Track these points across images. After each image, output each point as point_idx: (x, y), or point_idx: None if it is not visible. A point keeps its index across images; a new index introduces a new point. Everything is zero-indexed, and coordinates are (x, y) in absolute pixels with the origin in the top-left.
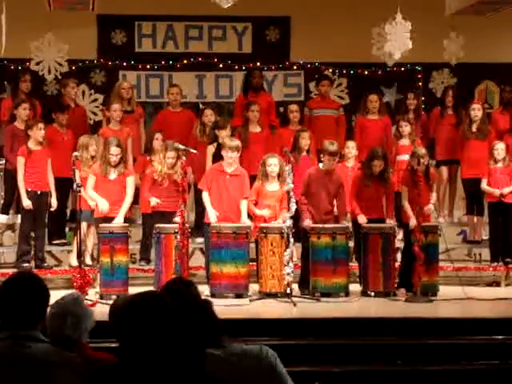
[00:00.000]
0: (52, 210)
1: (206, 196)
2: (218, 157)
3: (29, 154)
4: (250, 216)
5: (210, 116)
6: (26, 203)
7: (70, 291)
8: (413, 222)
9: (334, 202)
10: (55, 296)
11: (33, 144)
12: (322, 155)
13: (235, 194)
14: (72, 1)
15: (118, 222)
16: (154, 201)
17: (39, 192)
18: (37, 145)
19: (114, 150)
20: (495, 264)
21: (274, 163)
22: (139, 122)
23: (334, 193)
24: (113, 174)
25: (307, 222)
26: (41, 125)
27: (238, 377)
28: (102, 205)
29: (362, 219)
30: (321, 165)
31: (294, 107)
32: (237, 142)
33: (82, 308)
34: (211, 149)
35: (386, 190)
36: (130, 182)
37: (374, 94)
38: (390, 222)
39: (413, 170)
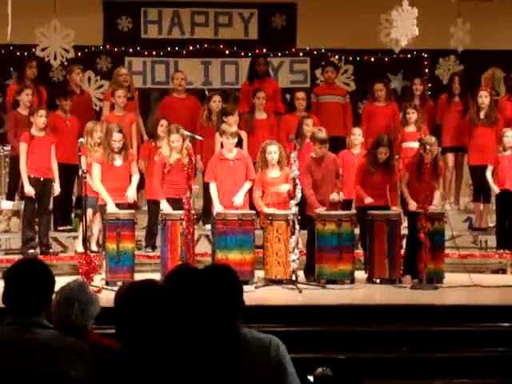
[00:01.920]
0: (55, 195)
1: (213, 187)
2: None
3: (31, 139)
4: (256, 210)
5: (217, 102)
6: (28, 189)
7: (75, 277)
8: (412, 206)
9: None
10: (61, 282)
11: (35, 130)
12: (311, 143)
13: (240, 179)
14: None
15: (131, 192)
16: (165, 205)
17: (42, 178)
18: (39, 131)
19: (117, 136)
20: (501, 251)
21: (273, 150)
22: (136, 108)
23: (332, 179)
24: (118, 161)
25: (320, 210)
26: (42, 112)
27: (243, 363)
28: (111, 207)
29: (368, 200)
30: (312, 154)
31: (300, 94)
32: (234, 129)
33: (88, 294)
34: (219, 136)
35: (391, 177)
36: (134, 165)
37: (379, 82)
38: (394, 209)
39: (421, 156)
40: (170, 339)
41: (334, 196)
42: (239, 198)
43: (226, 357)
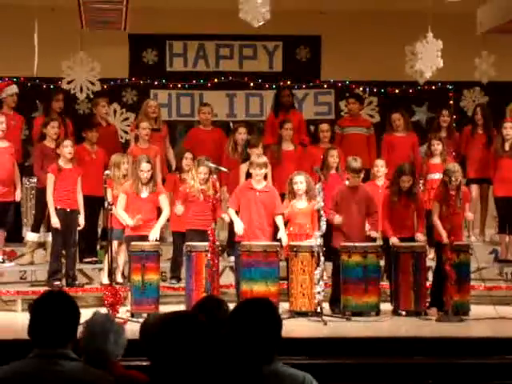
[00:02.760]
0: (79, 228)
1: (231, 211)
2: (251, 175)
3: (59, 171)
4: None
5: (243, 134)
6: (55, 221)
7: (98, 309)
8: (445, 238)
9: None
10: (86, 314)
11: (63, 162)
12: (346, 172)
13: (265, 211)
14: (104, 20)
15: (154, 234)
16: (179, 210)
17: (68, 210)
18: (67, 163)
19: (145, 166)
20: None
21: (299, 181)
22: (164, 141)
23: (364, 209)
24: (145, 192)
25: (338, 219)
26: (67, 142)
27: None
28: (129, 222)
29: (394, 240)
30: (347, 182)
31: (324, 126)
32: (264, 159)
33: (118, 325)
34: (244, 167)
35: (416, 205)
36: (164, 199)
37: (396, 112)
38: (418, 236)
39: (446, 186)
40: (202, 372)
41: (373, 234)
42: (283, 235)
43: None
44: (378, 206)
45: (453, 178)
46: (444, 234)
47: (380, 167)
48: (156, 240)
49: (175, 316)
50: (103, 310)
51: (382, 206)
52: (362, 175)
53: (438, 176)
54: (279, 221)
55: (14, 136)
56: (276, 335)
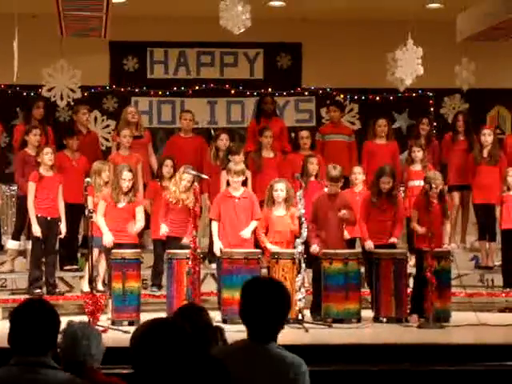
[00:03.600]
0: (61, 236)
1: (214, 226)
2: None
3: (40, 179)
4: (260, 246)
5: (225, 141)
6: (35, 229)
7: (78, 318)
8: (420, 230)
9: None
10: (66, 322)
11: (44, 170)
12: (325, 180)
13: (245, 218)
14: (84, 27)
15: (131, 231)
16: (164, 228)
17: (49, 218)
18: (48, 170)
19: (127, 174)
20: (507, 290)
21: (280, 188)
22: (147, 148)
23: (340, 220)
24: (122, 203)
25: (314, 248)
26: (47, 149)
27: (260, 376)
28: (107, 238)
29: (369, 245)
30: (326, 189)
31: (304, 133)
32: (242, 167)
33: (93, 333)
34: (225, 174)
35: (396, 209)
36: (140, 211)
37: (382, 118)
38: (394, 240)
39: (426, 194)
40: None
41: (344, 214)
42: (246, 233)
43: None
44: (356, 213)
45: (433, 185)
46: (419, 228)
47: (358, 174)
48: (140, 241)
49: (155, 323)
50: (80, 319)
51: (361, 207)
52: (340, 183)
53: (418, 183)
54: (252, 223)
55: None
56: (283, 312)
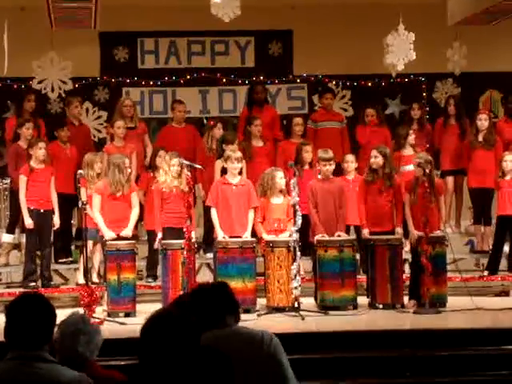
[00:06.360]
0: (55, 228)
1: (214, 213)
2: (226, 171)
3: (31, 172)
4: (255, 234)
5: (220, 130)
6: (28, 222)
7: (75, 310)
8: (413, 236)
9: None
10: (62, 315)
11: (35, 163)
12: (317, 164)
13: (242, 205)
14: (74, 19)
15: (127, 233)
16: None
17: (42, 210)
18: (39, 163)
19: (127, 162)
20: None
21: (280, 176)
22: (142, 138)
23: (339, 199)
24: (120, 192)
25: (320, 237)
26: (41, 144)
27: (236, 357)
28: (108, 235)
29: (366, 232)
30: (319, 176)
31: (298, 120)
32: (240, 154)
33: (91, 325)
34: (219, 163)
35: (394, 192)
36: (134, 197)
37: (370, 107)
38: (398, 231)
39: (417, 178)
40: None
41: (341, 234)
42: (248, 233)
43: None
44: (349, 200)
45: (426, 170)
46: (413, 231)
47: (350, 163)
48: (128, 238)
49: (160, 314)
50: (80, 311)
51: (358, 191)
52: (333, 164)
53: (411, 167)
54: (250, 216)
55: None
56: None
